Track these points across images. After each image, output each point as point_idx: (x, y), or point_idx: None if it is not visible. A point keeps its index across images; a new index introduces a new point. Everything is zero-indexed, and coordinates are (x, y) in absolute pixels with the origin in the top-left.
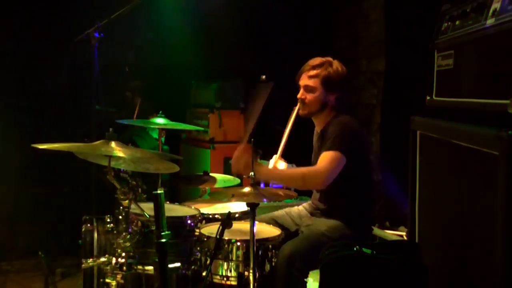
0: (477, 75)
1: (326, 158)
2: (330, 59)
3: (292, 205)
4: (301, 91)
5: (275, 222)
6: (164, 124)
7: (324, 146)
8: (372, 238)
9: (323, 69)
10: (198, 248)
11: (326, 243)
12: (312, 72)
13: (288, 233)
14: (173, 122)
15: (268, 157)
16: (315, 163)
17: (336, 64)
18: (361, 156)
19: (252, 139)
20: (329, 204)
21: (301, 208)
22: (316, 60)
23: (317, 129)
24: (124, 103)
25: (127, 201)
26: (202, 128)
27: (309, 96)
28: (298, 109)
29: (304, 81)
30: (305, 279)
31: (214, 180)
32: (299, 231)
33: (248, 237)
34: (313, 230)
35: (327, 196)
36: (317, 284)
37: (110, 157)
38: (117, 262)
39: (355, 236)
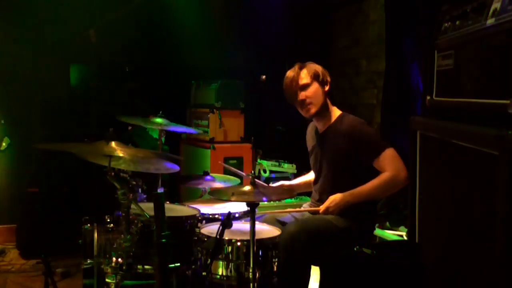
0: (477, 75)
1: (389, 158)
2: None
3: (293, 206)
4: (299, 94)
5: (276, 221)
6: (164, 125)
7: (370, 153)
8: (373, 238)
9: (306, 68)
10: (198, 248)
11: (332, 229)
12: (303, 74)
13: None
14: (173, 123)
15: (268, 157)
16: (315, 164)
17: (310, 62)
18: None
19: (252, 138)
20: None
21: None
22: (294, 71)
23: (320, 129)
24: (123, 103)
25: (127, 201)
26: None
27: (309, 93)
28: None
29: (298, 85)
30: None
31: (214, 180)
32: None
33: (248, 237)
34: (319, 217)
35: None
36: (317, 284)
37: (110, 157)
38: (117, 262)
39: (360, 229)
